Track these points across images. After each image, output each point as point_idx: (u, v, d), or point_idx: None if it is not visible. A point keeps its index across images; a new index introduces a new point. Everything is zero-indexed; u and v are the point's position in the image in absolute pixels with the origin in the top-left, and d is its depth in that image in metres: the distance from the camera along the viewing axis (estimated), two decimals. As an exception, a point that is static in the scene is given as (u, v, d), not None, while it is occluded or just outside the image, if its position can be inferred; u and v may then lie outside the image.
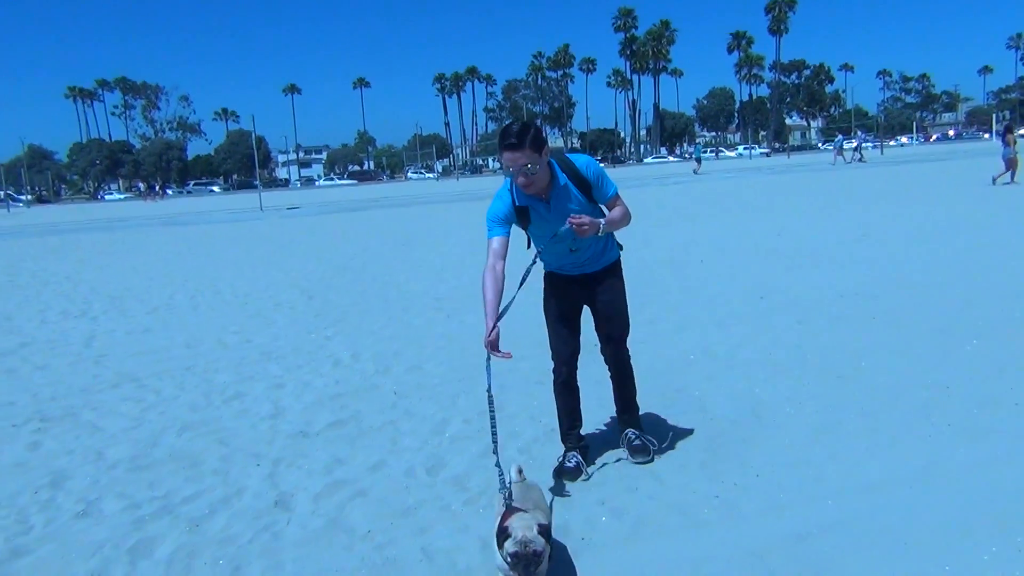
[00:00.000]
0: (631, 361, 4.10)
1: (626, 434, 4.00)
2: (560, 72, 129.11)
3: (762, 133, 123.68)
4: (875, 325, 6.35)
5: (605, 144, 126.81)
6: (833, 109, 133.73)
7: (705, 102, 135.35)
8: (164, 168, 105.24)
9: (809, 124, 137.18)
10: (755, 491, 3.46)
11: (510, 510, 2.76)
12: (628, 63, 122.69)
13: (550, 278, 3.95)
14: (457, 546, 3.18)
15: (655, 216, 18.12)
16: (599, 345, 4.11)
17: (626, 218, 3.71)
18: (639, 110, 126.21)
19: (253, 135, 39.71)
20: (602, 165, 3.78)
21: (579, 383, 4.05)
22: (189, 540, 3.36)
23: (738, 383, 5.08)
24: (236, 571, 3.08)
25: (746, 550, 2.96)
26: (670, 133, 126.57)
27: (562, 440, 4.00)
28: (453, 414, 4.90)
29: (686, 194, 26.27)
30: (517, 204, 3.55)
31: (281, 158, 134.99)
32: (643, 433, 4.00)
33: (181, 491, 3.89)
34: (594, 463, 3.94)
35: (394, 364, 6.19)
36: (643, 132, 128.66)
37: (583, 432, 4.05)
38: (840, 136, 57.13)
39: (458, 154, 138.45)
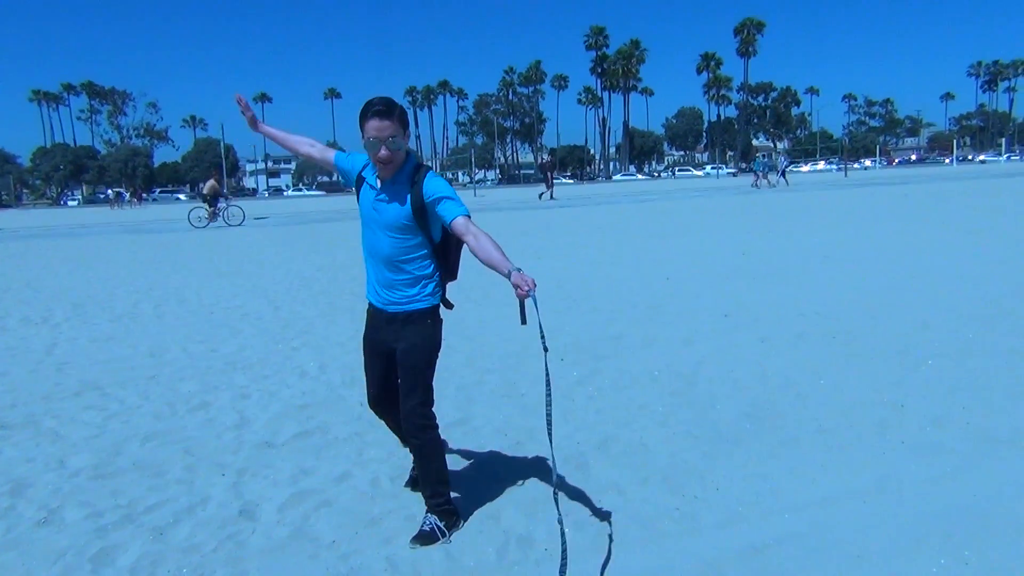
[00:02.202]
0: (431, 440, 3.41)
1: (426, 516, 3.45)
2: (531, 88, 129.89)
3: (730, 153, 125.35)
4: (835, 344, 6.49)
5: (575, 160, 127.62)
6: (799, 131, 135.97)
7: (674, 121, 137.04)
8: (130, 175, 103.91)
9: (775, 145, 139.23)
10: (714, 504, 3.55)
11: None
12: (599, 81, 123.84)
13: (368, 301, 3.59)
14: (422, 556, 3.22)
15: (622, 233, 18.31)
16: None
17: (492, 240, 3.14)
18: (609, 128, 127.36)
19: (222, 143, 39.49)
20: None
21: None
22: (153, 549, 3.36)
23: (701, 399, 5.17)
24: (200, 580, 3.09)
25: (703, 561, 3.03)
26: (639, 151, 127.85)
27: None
28: (419, 426, 4.92)
29: (655, 212, 26.53)
30: (362, 174, 3.44)
31: (249, 167, 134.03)
32: (441, 522, 3.41)
33: (145, 500, 3.88)
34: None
35: (361, 376, 6.18)
36: (612, 150, 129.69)
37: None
38: (761, 158, 57.41)
39: (429, 166, 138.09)
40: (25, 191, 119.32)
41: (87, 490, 4.05)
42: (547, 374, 3.10)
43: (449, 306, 3.58)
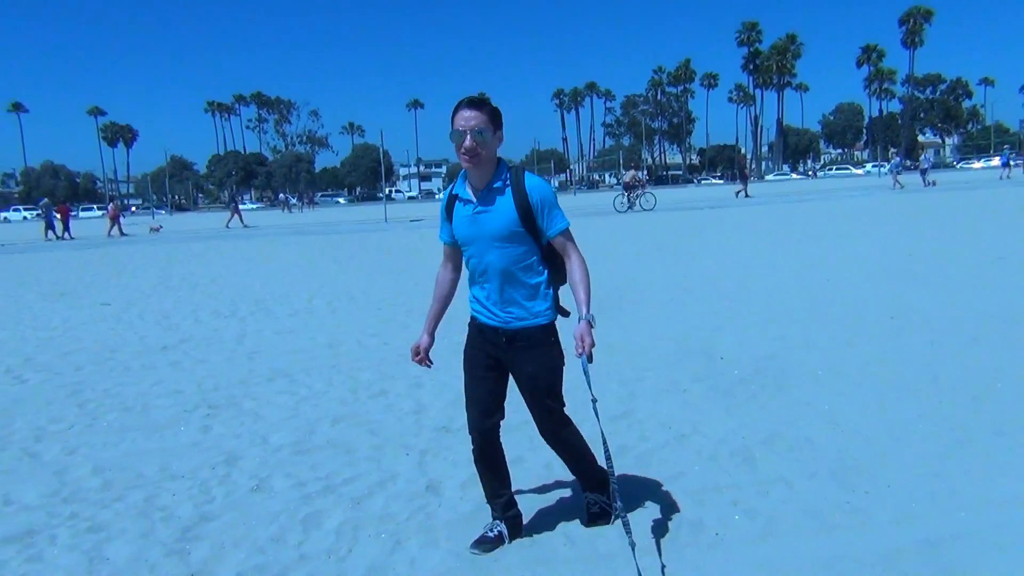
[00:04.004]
0: (570, 434, 3.53)
1: (586, 498, 3.58)
2: (680, 87, 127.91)
3: (892, 150, 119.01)
4: (1014, 349, 6.22)
5: (725, 160, 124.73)
6: (971, 125, 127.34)
7: (832, 118, 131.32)
8: (294, 180, 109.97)
9: (944, 141, 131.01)
10: (887, 500, 3.56)
11: None
12: (751, 78, 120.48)
13: (471, 319, 3.44)
14: (598, 533, 3.42)
15: (777, 234, 17.91)
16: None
17: (586, 274, 3.18)
18: (762, 126, 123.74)
19: (381, 149, 41.12)
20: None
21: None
22: (353, 516, 3.73)
23: (869, 400, 5.11)
24: (397, 545, 3.42)
25: (878, 553, 3.08)
26: (793, 150, 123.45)
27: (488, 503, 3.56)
28: (585, 418, 5.11)
29: (810, 213, 25.69)
30: (452, 192, 3.31)
31: (403, 171, 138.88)
32: (604, 498, 3.51)
33: (341, 473, 4.29)
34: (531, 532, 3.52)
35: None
36: (765, 148, 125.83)
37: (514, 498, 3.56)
38: (898, 158, 54.17)
39: (575, 169, 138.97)
40: (201, 195, 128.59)
41: (290, 463, 4.51)
42: (600, 427, 3.14)
43: (565, 314, 3.39)
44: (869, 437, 4.41)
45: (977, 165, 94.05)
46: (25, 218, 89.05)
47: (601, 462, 3.34)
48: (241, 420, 5.45)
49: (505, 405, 3.48)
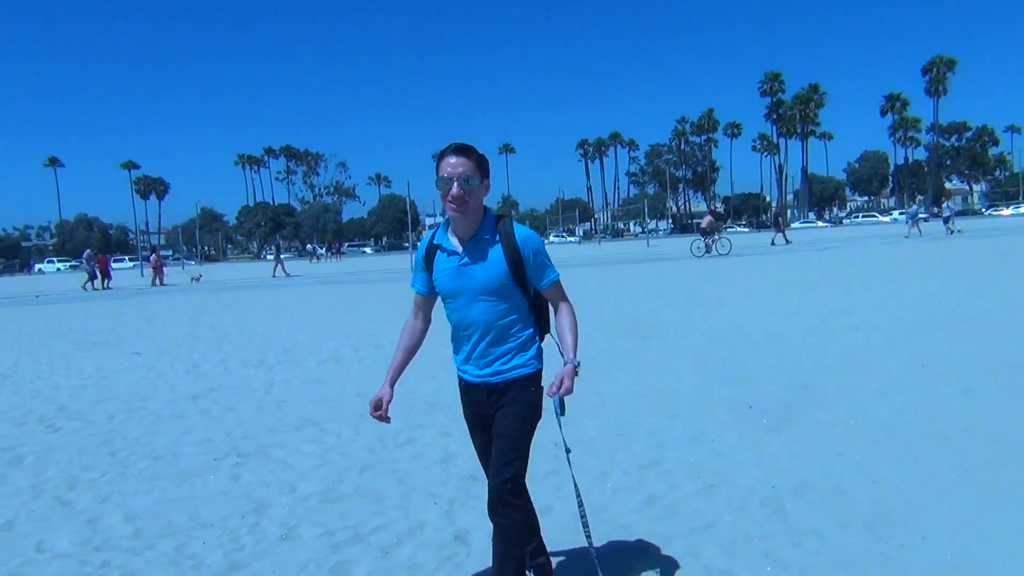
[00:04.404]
0: (522, 508, 3.14)
1: None
2: (704, 136, 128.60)
3: (919, 197, 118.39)
4: (1049, 397, 6.12)
5: (750, 208, 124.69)
6: (999, 172, 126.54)
7: (857, 165, 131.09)
8: (321, 230, 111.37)
9: (972, 188, 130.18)
10: (922, 552, 3.50)
11: None
12: (775, 127, 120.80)
13: (458, 380, 3.33)
14: (627, 585, 3.39)
15: (804, 282, 17.82)
16: None
17: (575, 322, 3.13)
18: (786, 174, 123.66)
19: (408, 199, 41.75)
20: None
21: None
22: (381, 565, 3.73)
23: (902, 450, 5.05)
24: (426, 594, 3.41)
25: (915, 606, 3.02)
26: (819, 197, 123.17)
27: None
28: (613, 467, 5.11)
29: (837, 261, 25.56)
30: (433, 242, 3.20)
31: (428, 220, 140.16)
32: None
33: (369, 522, 4.29)
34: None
35: (552, 419, 6.46)
36: (791, 196, 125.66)
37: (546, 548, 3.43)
38: (916, 206, 53.81)
39: (600, 218, 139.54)
40: (230, 246, 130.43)
41: (318, 512, 4.52)
42: (572, 476, 3.17)
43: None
44: (903, 488, 4.35)
45: (1006, 212, 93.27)
46: (59, 269, 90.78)
47: (558, 532, 3.28)
48: (270, 468, 5.48)
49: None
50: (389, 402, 3.36)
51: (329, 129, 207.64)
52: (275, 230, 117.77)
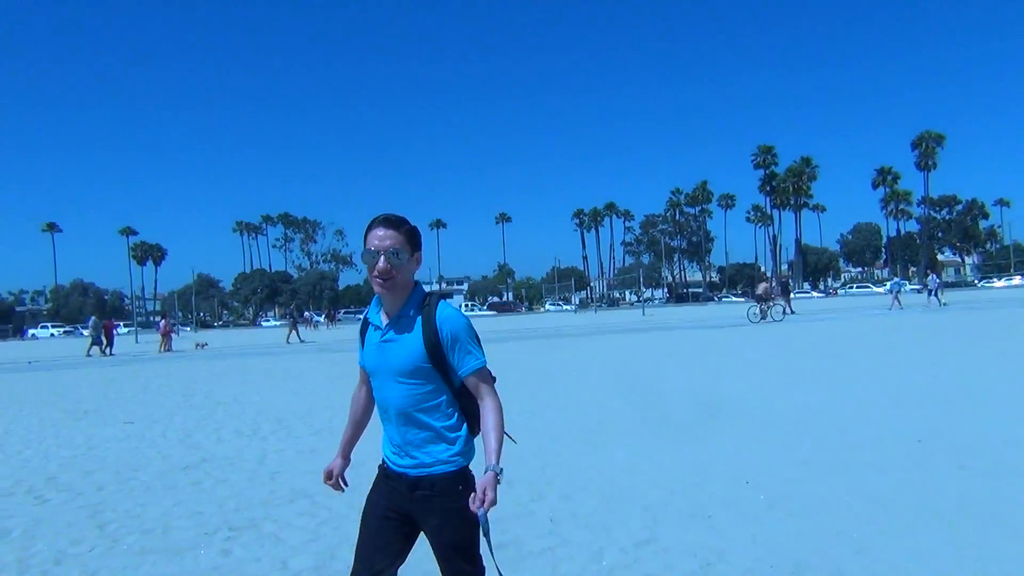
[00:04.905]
0: None
1: None
2: (698, 208, 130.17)
3: (912, 269, 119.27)
4: (1045, 474, 6.11)
5: (745, 278, 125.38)
6: (989, 244, 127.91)
7: (850, 237, 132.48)
8: (318, 296, 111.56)
9: (964, 260, 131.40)
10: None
11: None
12: (768, 199, 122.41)
13: (381, 462, 3.09)
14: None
15: (796, 354, 17.84)
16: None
17: (499, 419, 2.85)
18: (780, 245, 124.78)
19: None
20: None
21: None
22: (373, 646, 3.65)
23: (899, 527, 5.02)
24: (418, 677, 3.34)
25: None
26: (813, 268, 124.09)
27: None
28: (608, 543, 5.06)
29: (831, 333, 25.64)
30: (367, 318, 3.04)
31: (425, 288, 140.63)
32: None
33: (361, 601, 4.22)
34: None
35: (547, 492, 6.42)
36: (785, 267, 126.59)
37: None
38: (897, 279, 54.85)
39: (595, 286, 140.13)
40: (225, 312, 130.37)
41: (310, 589, 4.45)
42: None
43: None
44: (899, 566, 4.32)
45: (999, 284, 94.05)
46: (52, 335, 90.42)
47: None
48: (262, 543, 5.41)
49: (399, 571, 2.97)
50: (341, 472, 3.25)
51: (326, 197, 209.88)
52: (271, 296, 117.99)
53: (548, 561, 4.76)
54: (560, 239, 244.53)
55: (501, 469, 2.73)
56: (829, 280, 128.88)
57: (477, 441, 2.94)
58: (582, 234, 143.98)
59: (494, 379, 2.95)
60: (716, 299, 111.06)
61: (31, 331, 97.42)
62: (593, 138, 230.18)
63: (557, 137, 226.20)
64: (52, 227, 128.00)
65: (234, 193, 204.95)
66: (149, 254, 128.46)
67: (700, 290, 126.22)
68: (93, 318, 39.40)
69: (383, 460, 3.03)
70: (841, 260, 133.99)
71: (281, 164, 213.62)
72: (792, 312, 40.97)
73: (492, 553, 2.77)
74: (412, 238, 2.89)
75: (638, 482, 6.51)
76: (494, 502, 2.66)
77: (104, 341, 35.82)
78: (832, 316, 36.75)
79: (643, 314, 63.47)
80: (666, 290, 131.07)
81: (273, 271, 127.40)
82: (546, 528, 5.43)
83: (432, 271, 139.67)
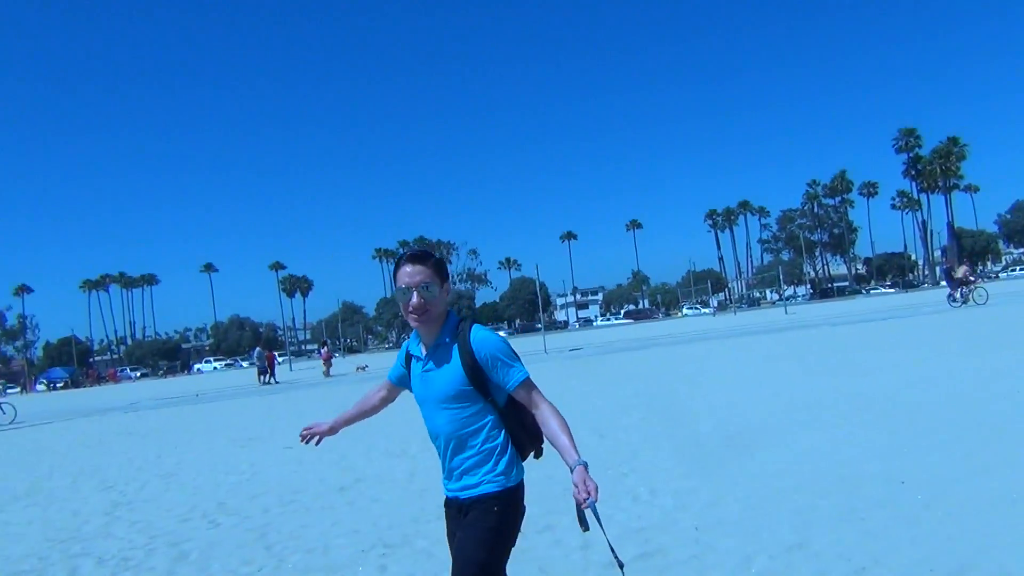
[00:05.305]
0: None
1: None
2: (838, 198, 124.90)
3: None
4: None
5: (895, 268, 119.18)
6: None
7: (1009, 216, 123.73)
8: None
9: None
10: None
11: None
12: (914, 183, 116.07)
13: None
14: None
15: (958, 342, 16.83)
16: None
17: (561, 421, 2.91)
18: (931, 230, 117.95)
19: (537, 282, 42.47)
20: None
21: None
22: (524, 655, 3.75)
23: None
24: None
25: None
26: (969, 252, 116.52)
27: None
28: (757, 550, 4.97)
29: (1002, 318, 24.02)
30: (409, 351, 3.19)
31: (560, 301, 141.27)
32: None
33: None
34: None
35: (691, 500, 6.36)
36: (938, 253, 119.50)
37: None
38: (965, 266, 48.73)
39: (733, 287, 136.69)
40: (370, 336, 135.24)
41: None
42: None
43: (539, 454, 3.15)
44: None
45: None
46: (215, 368, 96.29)
47: None
48: (415, 559, 5.63)
49: None
50: (323, 432, 3.60)
51: (460, 218, 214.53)
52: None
53: (694, 569, 4.73)
54: (694, 242, 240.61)
55: (585, 462, 2.76)
56: (988, 264, 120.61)
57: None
58: (716, 235, 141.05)
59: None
60: (864, 292, 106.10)
61: (196, 366, 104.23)
62: (723, 135, 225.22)
63: (686, 138, 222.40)
64: (209, 267, 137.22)
65: (372, 222, 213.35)
66: (297, 286, 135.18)
67: (845, 284, 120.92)
68: (258, 349, 41.89)
69: (445, 495, 3.15)
70: (1001, 242, 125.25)
71: (415, 190, 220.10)
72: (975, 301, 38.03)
73: (607, 537, 2.86)
74: (440, 270, 2.99)
75: (786, 486, 6.35)
76: (596, 489, 2.70)
77: (268, 370, 38.03)
78: (1005, 301, 34.38)
79: (785, 312, 61.43)
80: (809, 286, 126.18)
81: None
82: (691, 536, 5.38)
83: (566, 283, 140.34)
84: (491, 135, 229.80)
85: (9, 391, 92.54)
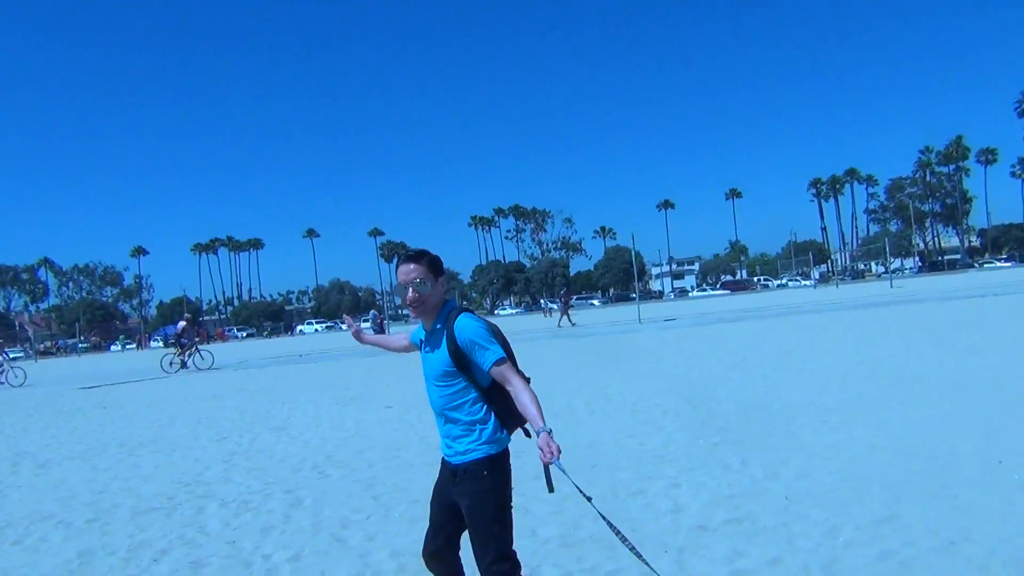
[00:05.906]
0: None
1: None
2: (953, 166, 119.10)
3: None
4: None
5: (1012, 240, 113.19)
6: None
7: None
8: (550, 284, 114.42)
9: None
10: None
11: None
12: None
13: None
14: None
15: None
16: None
17: (531, 395, 3.22)
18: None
19: (633, 250, 42.31)
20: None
21: None
22: (616, 606, 4.02)
23: None
24: (658, 634, 3.66)
25: None
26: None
27: None
28: (845, 520, 5.09)
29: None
30: (421, 336, 3.61)
31: (655, 270, 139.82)
32: None
33: (603, 567, 4.62)
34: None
35: (782, 471, 6.48)
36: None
37: None
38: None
39: (837, 259, 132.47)
40: (465, 303, 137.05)
41: (557, 555, 4.92)
42: (605, 520, 3.40)
43: (527, 434, 3.50)
44: None
45: None
46: (316, 330, 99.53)
47: None
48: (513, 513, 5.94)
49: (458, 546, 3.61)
50: (357, 336, 4.57)
51: (555, 186, 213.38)
52: (507, 287, 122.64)
53: (783, 535, 4.89)
54: (796, 211, 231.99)
55: (550, 429, 3.12)
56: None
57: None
58: (820, 204, 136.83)
59: (528, 379, 3.37)
60: (977, 265, 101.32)
61: (299, 327, 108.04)
62: (829, 99, 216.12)
63: (789, 102, 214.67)
64: (312, 233, 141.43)
65: (468, 189, 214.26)
66: (395, 252, 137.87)
67: (958, 256, 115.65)
68: (373, 312, 43.66)
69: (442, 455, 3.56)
70: None
71: (511, 157, 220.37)
72: None
73: (572, 481, 3.31)
74: (433, 267, 3.39)
75: (879, 461, 6.40)
76: (559, 450, 3.07)
77: (380, 332, 39.51)
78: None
79: (891, 286, 59.40)
80: (917, 259, 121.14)
81: (507, 262, 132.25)
82: (781, 505, 5.53)
83: (662, 252, 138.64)
84: (589, 101, 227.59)
85: (126, 347, 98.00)
